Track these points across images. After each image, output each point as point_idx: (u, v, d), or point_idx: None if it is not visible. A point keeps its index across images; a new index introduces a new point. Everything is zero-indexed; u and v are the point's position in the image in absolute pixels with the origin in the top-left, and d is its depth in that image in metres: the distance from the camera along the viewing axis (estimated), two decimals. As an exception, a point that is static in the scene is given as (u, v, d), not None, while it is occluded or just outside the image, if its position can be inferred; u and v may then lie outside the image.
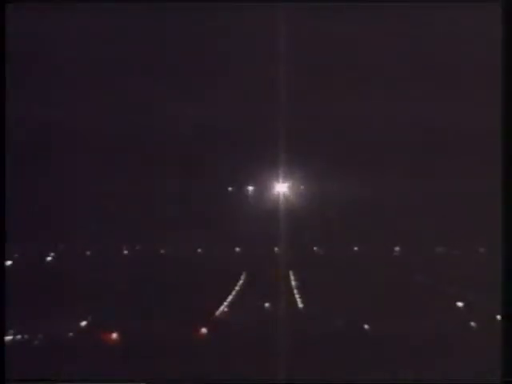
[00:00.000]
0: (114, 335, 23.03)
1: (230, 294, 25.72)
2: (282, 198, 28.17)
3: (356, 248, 28.09)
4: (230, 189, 28.99)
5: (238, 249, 28.26)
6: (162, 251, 27.96)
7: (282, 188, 28.42)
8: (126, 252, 28.00)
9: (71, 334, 23.11)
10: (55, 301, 23.99)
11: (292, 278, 26.72)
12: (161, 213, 27.29)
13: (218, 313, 24.76)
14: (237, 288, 26.11)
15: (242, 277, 26.64)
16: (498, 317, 21.87)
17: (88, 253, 27.63)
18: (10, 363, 18.80)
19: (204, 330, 23.46)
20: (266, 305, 24.99)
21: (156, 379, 21.09)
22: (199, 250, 28.00)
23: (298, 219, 27.13)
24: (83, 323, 23.65)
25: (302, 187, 28.46)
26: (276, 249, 27.54)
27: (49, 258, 27.59)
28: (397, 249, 28.01)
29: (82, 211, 27.06)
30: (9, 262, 24.92)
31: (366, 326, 23.40)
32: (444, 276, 25.63)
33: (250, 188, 28.96)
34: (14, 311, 19.47)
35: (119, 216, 27.02)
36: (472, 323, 23.47)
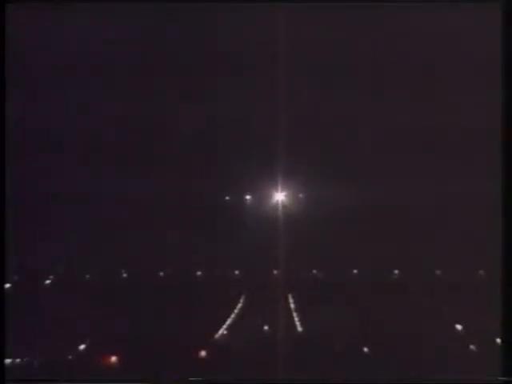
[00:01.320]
0: (113, 358, 22.94)
1: (229, 316, 25.70)
2: (280, 207, 27.95)
3: (355, 271, 27.94)
4: (227, 198, 28.74)
5: (237, 271, 28.13)
6: (161, 273, 27.87)
7: (280, 197, 28.19)
8: (125, 275, 27.91)
9: (70, 357, 23.06)
10: (54, 324, 23.93)
11: (291, 300, 26.65)
12: (159, 228, 27.17)
13: (217, 336, 24.73)
14: (236, 311, 26.09)
15: (241, 300, 26.63)
16: (498, 340, 21.83)
17: (87, 276, 27.56)
18: (9, 363, 18.85)
19: (203, 353, 23.46)
20: (265, 328, 24.95)
21: (156, 379, 21.15)
22: (199, 273, 27.92)
23: (296, 234, 26.97)
24: (82, 346, 23.60)
25: (300, 195, 28.26)
26: (275, 271, 27.45)
27: (47, 281, 27.52)
28: (396, 272, 27.92)
29: (82, 229, 27.07)
30: (8, 285, 24.94)
31: (366, 349, 23.35)
32: (443, 298, 25.55)
33: (248, 197, 28.69)
34: (13, 334, 19.44)
35: (118, 233, 26.98)
36: (472, 346, 23.40)
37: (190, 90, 27.13)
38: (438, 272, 27.42)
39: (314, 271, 27.99)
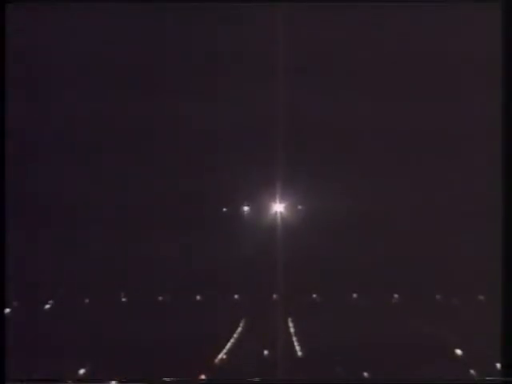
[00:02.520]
0: (113, 383, 22.97)
1: (228, 341, 25.68)
2: (279, 220, 27.69)
3: (355, 295, 27.88)
4: (224, 209, 28.52)
5: (236, 295, 28.08)
6: (160, 298, 27.85)
7: (279, 208, 27.95)
8: (124, 299, 27.87)
9: (70, 381, 23.05)
10: (53, 349, 23.93)
11: (291, 325, 26.65)
12: (157, 245, 27.05)
13: (216, 360, 24.73)
14: (235, 335, 26.08)
15: (241, 324, 26.62)
16: (498, 365, 21.82)
17: (87, 300, 27.54)
18: (10, 363, 18.84)
19: (203, 377, 23.48)
20: (265, 352, 24.95)
21: (156, 379, 21.16)
22: (198, 298, 27.89)
23: (296, 252, 26.80)
24: (82, 371, 23.61)
25: (299, 207, 28.04)
26: (275, 295, 27.43)
27: (47, 306, 27.50)
28: (396, 296, 27.89)
29: (81, 252, 27.05)
30: (8, 310, 24.92)
31: (366, 374, 23.34)
32: (443, 324, 25.60)
33: (246, 208, 28.43)
34: (12, 359, 19.45)
35: (116, 256, 26.94)
36: (472, 371, 23.41)
37: (188, 91, 27.10)
38: (438, 297, 27.43)
39: (314, 295, 27.97)
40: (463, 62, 25.85)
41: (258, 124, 26.88)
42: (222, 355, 24.69)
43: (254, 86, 26.51)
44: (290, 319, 26.53)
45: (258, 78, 26.51)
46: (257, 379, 21.83)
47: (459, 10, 24.61)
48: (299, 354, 25.01)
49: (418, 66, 26.52)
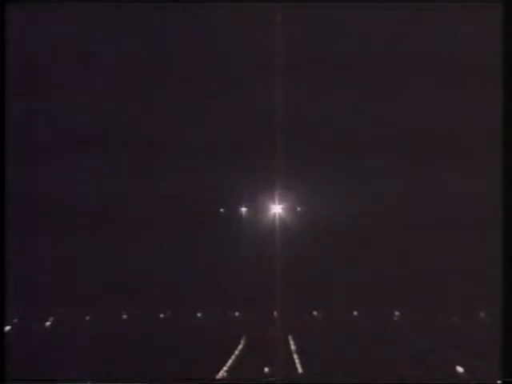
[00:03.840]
0: None
1: (229, 358, 25.70)
2: (277, 224, 27.54)
3: (355, 312, 27.84)
4: (221, 210, 28.47)
5: (237, 313, 28.08)
6: (162, 315, 27.83)
7: (277, 209, 27.86)
8: (125, 316, 27.84)
9: (69, 381, 23.03)
10: (55, 366, 23.96)
11: (291, 342, 26.64)
12: (155, 255, 27.05)
13: (217, 377, 24.71)
14: (236, 352, 26.09)
15: (242, 341, 26.62)
16: (499, 382, 21.83)
17: (87, 317, 27.50)
18: (10, 363, 18.86)
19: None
20: (266, 369, 24.96)
21: (156, 379, 21.16)
22: (199, 315, 27.84)
23: (296, 263, 26.72)
24: None
25: (298, 209, 27.96)
26: (275, 312, 27.39)
27: (48, 323, 27.44)
28: (397, 313, 27.83)
29: (81, 267, 27.03)
30: (8, 327, 24.92)
31: None
32: (444, 341, 25.61)
33: (244, 209, 28.36)
34: (13, 377, 19.49)
35: (116, 270, 26.94)
36: None
37: (188, 91, 27.14)
38: (438, 314, 27.42)
39: (315, 312, 27.95)
40: (463, 61, 25.88)
41: (257, 124, 26.92)
42: (222, 372, 24.72)
43: (253, 85, 26.54)
44: (290, 336, 26.57)
45: (257, 77, 26.53)
46: (257, 379, 21.83)
47: (459, 9, 24.63)
48: (300, 371, 25.06)
49: (417, 66, 26.54)
